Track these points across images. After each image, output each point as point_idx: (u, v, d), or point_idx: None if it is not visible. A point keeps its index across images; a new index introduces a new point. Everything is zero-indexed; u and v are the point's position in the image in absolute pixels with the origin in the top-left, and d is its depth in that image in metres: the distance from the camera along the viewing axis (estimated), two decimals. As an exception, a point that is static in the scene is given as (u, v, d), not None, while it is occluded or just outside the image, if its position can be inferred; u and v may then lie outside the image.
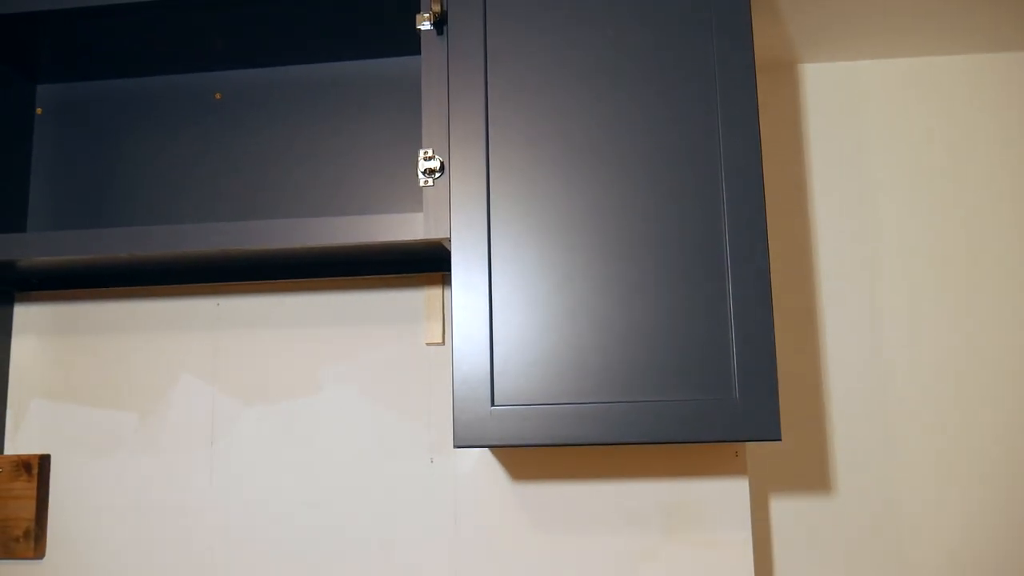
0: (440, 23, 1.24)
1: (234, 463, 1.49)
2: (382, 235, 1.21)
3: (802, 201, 1.79)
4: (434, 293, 1.48)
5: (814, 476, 1.70)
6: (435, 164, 1.20)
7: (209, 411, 1.51)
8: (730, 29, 1.19)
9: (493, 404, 1.14)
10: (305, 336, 1.51)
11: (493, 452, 1.45)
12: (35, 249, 1.31)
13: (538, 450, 1.44)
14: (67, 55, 1.52)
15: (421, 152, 1.21)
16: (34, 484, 1.50)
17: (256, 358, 1.52)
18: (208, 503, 1.49)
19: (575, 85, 1.20)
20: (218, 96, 1.56)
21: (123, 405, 1.53)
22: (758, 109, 1.20)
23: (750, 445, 1.69)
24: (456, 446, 1.13)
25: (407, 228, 1.21)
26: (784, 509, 1.69)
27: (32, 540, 1.49)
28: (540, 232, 1.17)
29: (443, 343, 1.47)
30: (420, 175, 1.21)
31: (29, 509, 1.50)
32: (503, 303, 1.16)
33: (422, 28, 1.25)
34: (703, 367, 1.13)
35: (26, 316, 1.58)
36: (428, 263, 1.45)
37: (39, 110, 1.61)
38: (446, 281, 1.49)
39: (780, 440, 1.22)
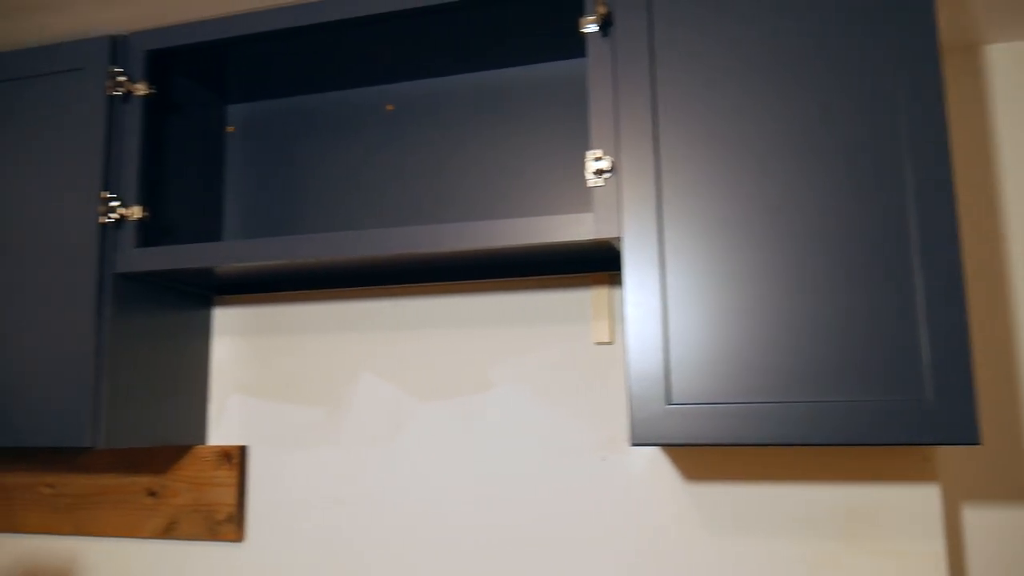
0: (605, 25, 1.25)
1: (412, 457, 1.56)
2: (553, 235, 1.23)
3: (989, 187, 1.67)
4: (601, 292, 1.49)
5: (1013, 483, 1.59)
6: (604, 164, 1.21)
7: (389, 407, 1.59)
8: (912, 12, 1.13)
9: (669, 402, 1.13)
10: (477, 335, 1.56)
11: (666, 451, 1.44)
12: (229, 256, 1.42)
13: (712, 450, 1.42)
14: (253, 76, 1.64)
15: (590, 153, 1.22)
16: (235, 472, 1.63)
17: (432, 357, 1.58)
18: (389, 495, 1.56)
19: (745, 79, 1.18)
20: (390, 108, 1.64)
21: (311, 401, 1.64)
22: (945, 95, 1.13)
23: (939, 449, 1.60)
24: (633, 444, 1.13)
25: (578, 228, 1.22)
26: (979, 519, 1.58)
27: (234, 524, 1.62)
28: (713, 228, 1.16)
29: (612, 342, 1.48)
30: (589, 175, 1.22)
31: (230, 495, 1.63)
32: (677, 300, 1.16)
33: (587, 31, 1.26)
34: (890, 366, 1.08)
35: (224, 318, 1.71)
36: (594, 263, 1.46)
37: (230, 128, 1.75)
38: (613, 280, 1.49)
39: (979, 444, 1.14)
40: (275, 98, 1.72)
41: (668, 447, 1.43)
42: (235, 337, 1.70)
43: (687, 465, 1.43)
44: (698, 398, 1.13)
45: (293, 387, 1.65)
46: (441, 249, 1.29)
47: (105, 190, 1.44)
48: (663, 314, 1.16)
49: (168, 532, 1.67)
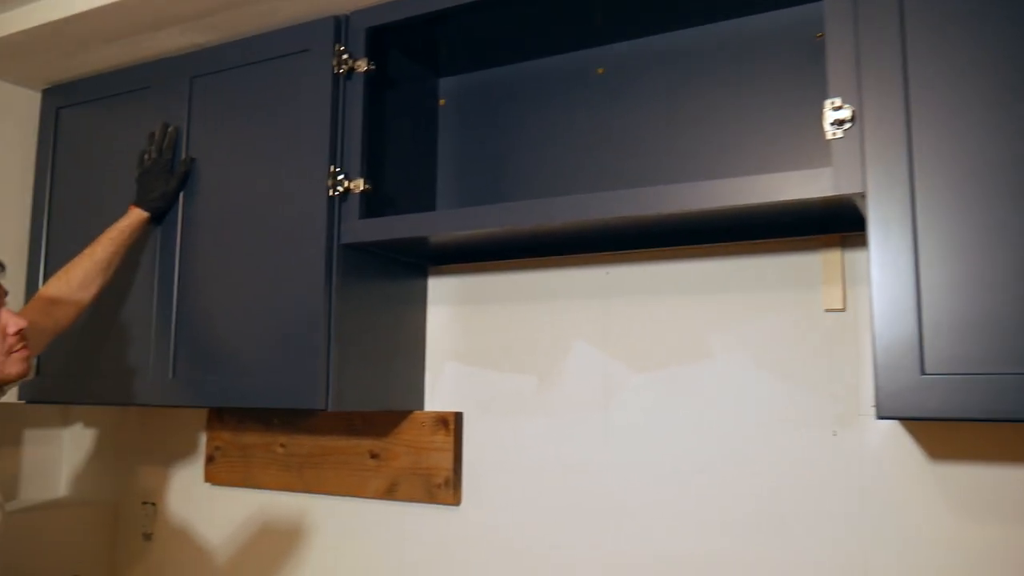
0: (844, -41, 1.15)
1: (625, 427, 1.53)
2: (788, 193, 1.15)
3: None
4: (832, 256, 1.39)
5: None
6: (845, 114, 1.12)
7: (601, 376, 1.57)
8: None
9: (923, 372, 1.03)
10: (694, 303, 1.50)
11: (907, 427, 1.33)
12: (443, 225, 1.45)
13: (963, 426, 1.29)
14: (464, 48, 1.66)
15: (828, 102, 1.13)
16: (451, 438, 1.67)
17: (645, 325, 1.54)
18: (601, 464, 1.54)
19: (1009, 10, 1.04)
20: (600, 71, 1.60)
21: (523, 369, 1.65)
22: None
23: None
24: (879, 417, 1.04)
25: (815, 184, 1.14)
26: None
27: (451, 488, 1.66)
28: (972, 181, 1.04)
29: (844, 308, 1.37)
30: (827, 127, 1.13)
31: (447, 460, 1.67)
32: (930, 261, 1.05)
33: (823, -33, 1.16)
34: None
35: (439, 288, 1.76)
36: (823, 224, 1.36)
37: (442, 101, 1.78)
38: (845, 243, 1.39)
39: None
40: (483, 68, 1.73)
41: (913, 422, 1.31)
42: (449, 306, 1.74)
43: (932, 442, 1.31)
44: (957, 368, 1.02)
45: (505, 355, 1.67)
46: (667, 210, 1.24)
47: (333, 164, 1.50)
48: (914, 275, 1.05)
49: (389, 493, 1.74)
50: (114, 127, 1.81)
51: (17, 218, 1.91)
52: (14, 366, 1.28)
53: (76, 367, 1.77)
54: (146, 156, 1.69)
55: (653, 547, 1.48)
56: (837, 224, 1.35)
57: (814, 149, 1.34)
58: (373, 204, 1.55)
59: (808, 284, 1.41)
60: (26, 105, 1.95)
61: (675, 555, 1.46)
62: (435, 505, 1.70)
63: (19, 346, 1.29)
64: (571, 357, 1.60)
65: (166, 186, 1.65)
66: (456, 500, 1.67)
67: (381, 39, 1.58)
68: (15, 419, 2.07)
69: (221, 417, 2.00)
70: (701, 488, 1.45)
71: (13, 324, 1.28)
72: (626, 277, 1.57)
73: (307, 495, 1.87)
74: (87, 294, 1.58)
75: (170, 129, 1.69)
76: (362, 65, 1.52)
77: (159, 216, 1.68)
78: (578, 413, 1.58)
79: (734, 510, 1.42)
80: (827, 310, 1.39)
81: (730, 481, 1.43)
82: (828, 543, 1.35)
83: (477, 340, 1.70)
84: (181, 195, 1.68)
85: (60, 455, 2.21)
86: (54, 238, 1.86)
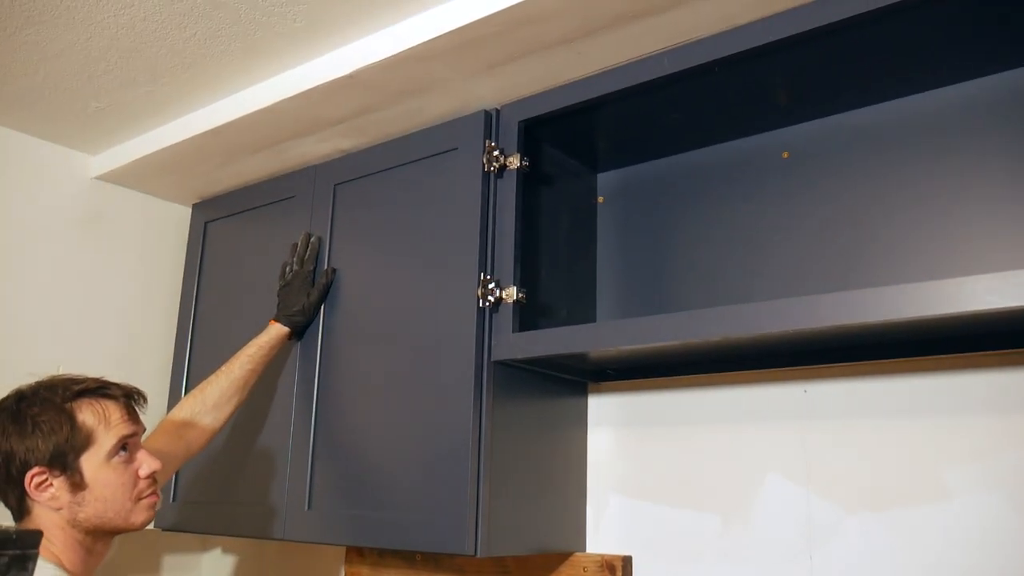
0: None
1: (837, 583, 1.23)
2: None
3: None
4: (1115, 370, 1.08)
5: None
6: None
7: (803, 517, 1.29)
8: None
9: None
10: (921, 428, 1.21)
11: None
12: (609, 339, 1.24)
13: None
14: (623, 138, 1.49)
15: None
16: (619, 588, 1.42)
17: (857, 455, 1.26)
18: (808, 629, 1.24)
19: None
20: (785, 155, 1.39)
21: (704, 506, 1.38)
22: None
23: None
24: None
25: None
26: None
27: (620, 650, 1.40)
28: None
29: None
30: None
31: (615, 615, 1.41)
32: None
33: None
34: None
35: (601, 408, 1.54)
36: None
37: (600, 199, 1.61)
38: None
39: None
40: (647, 160, 1.55)
41: None
42: (614, 429, 1.51)
43: None
44: None
45: (682, 488, 1.41)
46: (887, 318, 0.99)
47: (483, 271, 1.34)
48: None
49: (546, 649, 1.49)
50: (259, 238, 1.75)
51: (164, 335, 1.87)
52: (141, 514, 1.15)
53: (212, 495, 1.66)
54: (288, 268, 1.59)
55: None
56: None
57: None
58: (527, 315, 1.37)
59: (1082, 406, 1.10)
60: (177, 221, 1.94)
61: None
62: (601, 669, 1.43)
63: (149, 491, 1.16)
64: (763, 492, 1.33)
65: (307, 299, 1.54)
66: (627, 665, 1.40)
67: (534, 133, 1.44)
68: (154, 544, 1.97)
69: (361, 552, 1.83)
70: (949, 671, 1.13)
71: (147, 466, 1.15)
72: (830, 395, 1.30)
73: (453, 645, 1.65)
74: (222, 414, 1.46)
75: (312, 239, 1.60)
76: (515, 161, 1.37)
77: (299, 331, 1.56)
78: (774, 562, 1.29)
79: None
80: (1115, 441, 1.07)
81: (990, 664, 1.10)
82: None
83: (647, 469, 1.46)
84: (323, 309, 1.56)
85: (198, 584, 2.09)
86: (196, 356, 1.79)
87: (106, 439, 1.11)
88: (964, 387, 1.19)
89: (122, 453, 1.13)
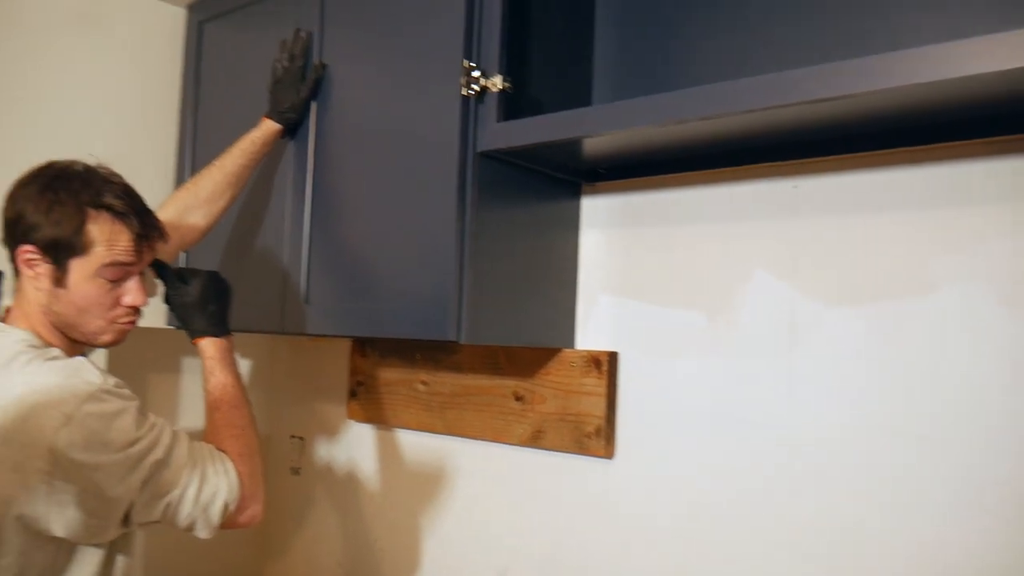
0: None
1: (815, 375, 1.25)
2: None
3: None
4: (1116, 153, 1.03)
5: None
6: None
7: (786, 312, 1.29)
8: None
9: None
10: (907, 221, 1.18)
11: None
12: (598, 123, 1.19)
13: None
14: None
15: None
16: (604, 381, 1.45)
17: (842, 249, 1.24)
18: (783, 419, 1.27)
19: None
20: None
21: (690, 303, 1.39)
22: None
23: None
24: None
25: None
26: None
27: (603, 439, 1.45)
28: None
29: None
30: None
31: (599, 406, 1.45)
32: None
33: None
34: None
35: (593, 208, 1.52)
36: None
37: (600, -12, 1.52)
38: None
39: None
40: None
41: None
42: (606, 229, 1.50)
43: None
44: None
45: (670, 286, 1.42)
46: (904, 82, 0.91)
47: (467, 59, 1.30)
48: None
49: (534, 440, 1.55)
50: (252, 37, 1.71)
51: (165, 138, 1.86)
52: (108, 335, 1.16)
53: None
54: (279, 65, 1.56)
55: (841, 519, 1.20)
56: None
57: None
58: (515, 106, 1.33)
59: (1077, 192, 1.06)
60: (172, 22, 1.89)
61: (871, 532, 1.17)
62: (585, 457, 1.49)
63: (125, 319, 1.17)
64: (749, 289, 1.33)
65: (296, 96, 1.52)
66: (608, 452, 1.45)
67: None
68: (173, 344, 2.05)
69: (364, 351, 1.89)
70: (907, 455, 1.15)
71: (131, 298, 1.16)
72: (818, 191, 1.27)
73: (448, 437, 1.72)
74: (216, 208, 1.48)
75: (302, 34, 1.55)
76: (502, -60, 1.29)
77: (291, 128, 1.55)
78: (756, 356, 1.31)
79: (961, 489, 1.11)
80: (1105, 226, 1.03)
81: (949, 450, 1.11)
82: (1094, 535, 1.01)
83: (638, 268, 1.46)
84: (314, 106, 1.54)
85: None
86: (200, 158, 1.79)
87: (100, 256, 1.11)
88: (952, 177, 1.14)
89: (110, 283, 1.13)
